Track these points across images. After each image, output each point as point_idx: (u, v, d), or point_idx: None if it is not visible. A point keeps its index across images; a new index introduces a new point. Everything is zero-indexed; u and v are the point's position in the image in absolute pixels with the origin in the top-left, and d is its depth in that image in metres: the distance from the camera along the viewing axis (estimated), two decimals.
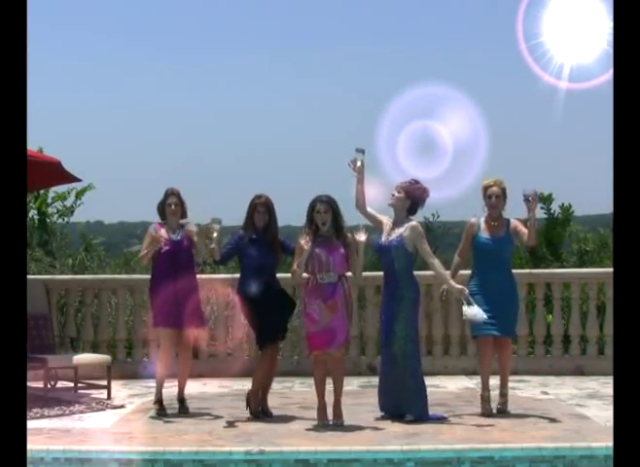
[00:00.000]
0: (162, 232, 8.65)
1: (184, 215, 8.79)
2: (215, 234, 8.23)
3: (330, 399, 8.14)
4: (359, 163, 8.34)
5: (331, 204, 8.09)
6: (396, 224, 8.31)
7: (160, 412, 8.61)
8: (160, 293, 8.58)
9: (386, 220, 8.40)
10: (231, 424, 8.18)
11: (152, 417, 8.51)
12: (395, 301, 8.19)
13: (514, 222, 8.56)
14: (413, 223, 8.28)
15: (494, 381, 8.69)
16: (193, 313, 8.64)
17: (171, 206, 8.68)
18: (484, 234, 8.49)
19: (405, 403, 8.23)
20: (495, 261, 8.46)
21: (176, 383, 8.83)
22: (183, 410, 8.73)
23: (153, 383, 9.99)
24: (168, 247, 8.60)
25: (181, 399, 8.78)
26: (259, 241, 8.43)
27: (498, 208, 8.52)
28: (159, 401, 8.67)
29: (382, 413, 8.41)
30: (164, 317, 8.57)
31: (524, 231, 8.43)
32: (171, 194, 8.73)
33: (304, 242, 7.98)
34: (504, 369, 8.64)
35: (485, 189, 8.54)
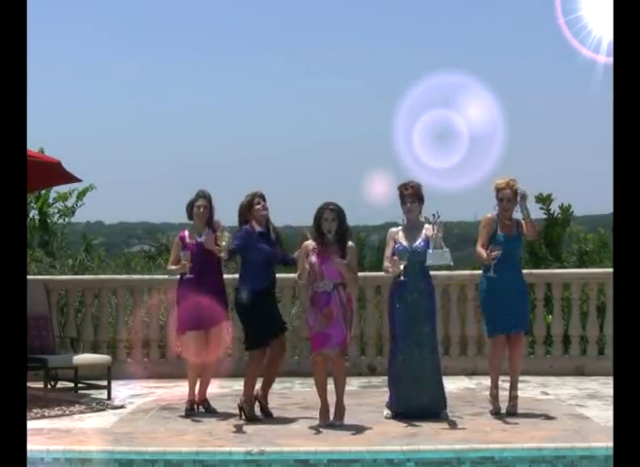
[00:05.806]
0: (187, 236, 8.69)
1: (210, 219, 8.74)
2: (224, 243, 8.32)
3: (332, 399, 8.15)
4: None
5: (338, 212, 8.10)
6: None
7: (191, 412, 8.63)
8: (189, 296, 8.56)
9: (394, 233, 8.46)
10: (230, 424, 8.17)
11: (182, 417, 8.51)
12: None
13: (522, 223, 8.63)
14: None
15: (501, 382, 8.68)
16: (218, 312, 8.63)
17: (200, 209, 8.69)
18: (501, 233, 8.52)
19: (436, 397, 8.33)
20: (509, 260, 8.48)
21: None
22: (211, 409, 8.79)
23: (153, 383, 9.96)
24: (195, 250, 8.58)
25: (206, 399, 8.82)
26: (266, 235, 8.48)
27: (510, 211, 8.56)
28: (191, 401, 8.69)
29: (393, 414, 8.39)
30: (192, 321, 8.55)
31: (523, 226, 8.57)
32: (202, 196, 8.74)
33: (308, 257, 8.04)
34: (515, 368, 8.60)
35: (498, 191, 8.54)
